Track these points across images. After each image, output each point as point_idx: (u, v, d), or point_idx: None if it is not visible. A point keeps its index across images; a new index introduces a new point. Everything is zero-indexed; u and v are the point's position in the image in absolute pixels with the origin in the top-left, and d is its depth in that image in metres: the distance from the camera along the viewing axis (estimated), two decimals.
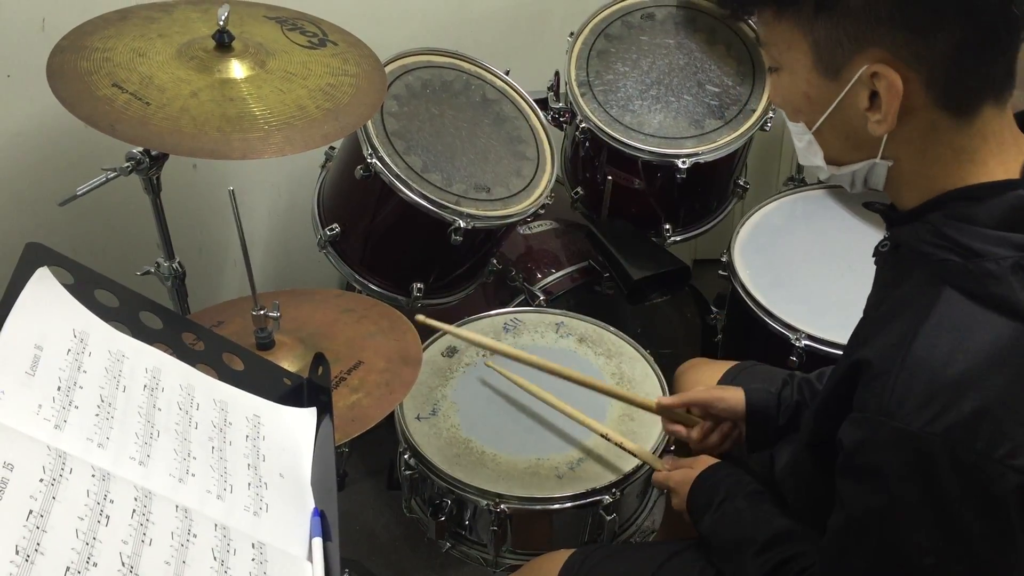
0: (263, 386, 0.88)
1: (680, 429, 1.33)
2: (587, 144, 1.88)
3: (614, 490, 1.37)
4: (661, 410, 1.35)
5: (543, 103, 1.90)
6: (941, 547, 0.83)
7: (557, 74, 1.91)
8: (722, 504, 1.16)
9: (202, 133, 1.21)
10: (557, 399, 1.46)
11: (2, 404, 0.67)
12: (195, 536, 0.68)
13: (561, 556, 1.26)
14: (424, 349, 1.47)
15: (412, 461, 1.43)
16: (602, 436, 1.40)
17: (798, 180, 2.20)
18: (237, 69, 1.31)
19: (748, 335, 1.75)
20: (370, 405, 1.19)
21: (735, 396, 1.27)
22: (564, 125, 1.94)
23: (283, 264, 2.19)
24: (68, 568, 0.59)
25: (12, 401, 0.68)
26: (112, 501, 0.65)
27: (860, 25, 0.84)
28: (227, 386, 0.86)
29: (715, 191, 1.99)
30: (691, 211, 1.98)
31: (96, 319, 0.80)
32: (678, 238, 1.98)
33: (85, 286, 0.81)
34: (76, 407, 0.71)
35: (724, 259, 1.79)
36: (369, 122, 1.59)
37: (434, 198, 1.59)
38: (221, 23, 1.30)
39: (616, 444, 1.38)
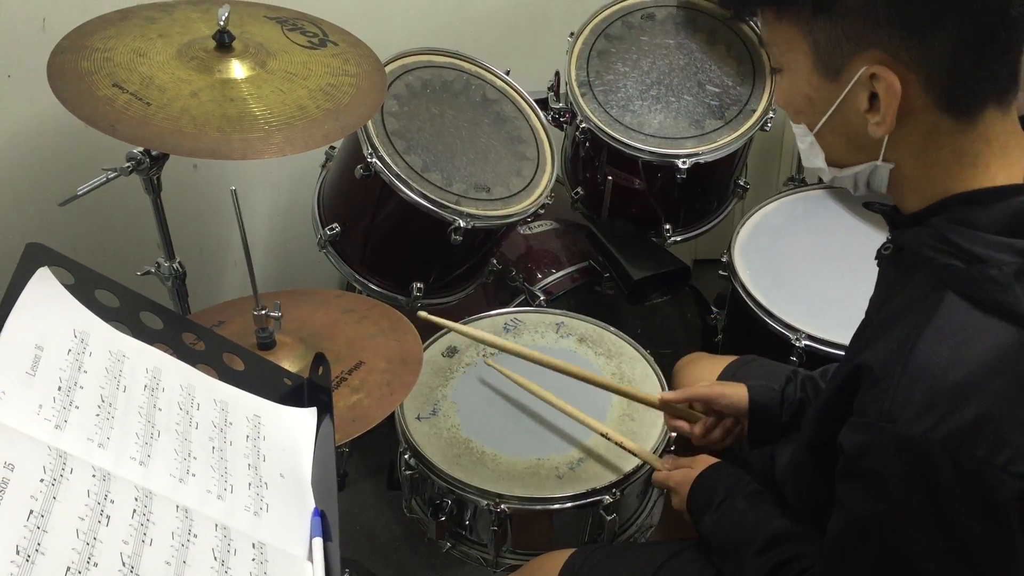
0: (264, 386, 0.88)
1: (683, 425, 1.33)
2: (587, 144, 1.88)
3: (614, 490, 1.37)
4: (663, 405, 1.35)
5: (543, 103, 1.90)
6: (941, 552, 0.83)
7: (557, 74, 1.91)
8: (722, 504, 1.16)
9: (202, 133, 1.21)
10: (558, 398, 1.46)
11: (3, 404, 0.67)
12: (195, 536, 0.68)
13: (561, 556, 1.26)
14: (424, 349, 1.47)
15: (412, 461, 1.43)
16: (602, 435, 1.40)
17: (798, 180, 2.20)
18: (237, 69, 1.31)
19: (748, 335, 1.75)
20: (371, 405, 1.19)
21: (738, 392, 1.27)
22: (564, 125, 1.95)
23: (283, 264, 2.19)
24: (69, 568, 0.59)
25: (13, 401, 0.68)
26: (113, 501, 0.65)
27: (858, 26, 0.84)
28: (227, 386, 0.86)
29: (715, 191, 1.99)
30: (691, 211, 1.98)
31: (97, 319, 0.80)
32: (678, 238, 1.98)
33: (86, 286, 0.81)
34: (77, 407, 0.71)
35: (724, 259, 1.79)
36: (369, 122, 1.59)
37: (434, 198, 1.59)
38: (221, 23, 1.30)
39: (616, 444, 1.38)
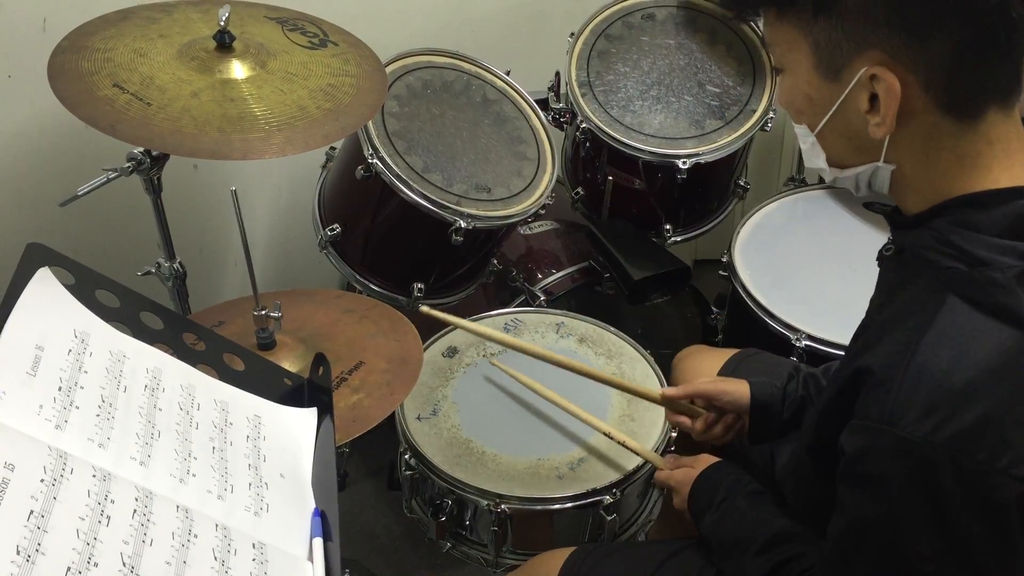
0: (264, 386, 0.88)
1: (684, 420, 1.33)
2: (587, 144, 1.88)
3: (615, 490, 1.37)
4: (665, 401, 1.35)
5: (543, 103, 1.90)
6: (942, 555, 0.83)
7: (558, 74, 1.91)
8: (722, 503, 1.16)
9: (203, 133, 1.21)
10: (559, 396, 1.46)
11: (3, 404, 0.67)
12: (196, 536, 0.68)
13: (561, 554, 1.26)
14: (425, 349, 1.47)
15: (413, 461, 1.43)
16: (604, 434, 1.40)
17: (798, 180, 2.20)
18: (238, 69, 1.31)
19: (749, 335, 1.75)
20: (371, 405, 1.19)
21: (740, 389, 1.27)
22: (564, 125, 1.95)
23: (283, 264, 2.19)
24: (69, 568, 0.59)
25: (13, 401, 0.68)
26: (113, 501, 0.65)
27: (858, 27, 0.84)
28: (228, 386, 0.86)
29: (715, 191, 1.99)
30: (691, 211, 1.98)
31: (97, 319, 0.80)
32: (679, 238, 1.98)
33: (86, 286, 0.81)
34: (77, 407, 0.71)
35: (724, 259, 1.79)
36: (370, 122, 1.59)
37: (435, 198, 1.59)
38: (222, 23, 1.30)
39: (619, 443, 1.38)
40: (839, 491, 0.91)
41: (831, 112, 0.90)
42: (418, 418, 1.48)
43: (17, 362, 0.71)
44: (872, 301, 1.02)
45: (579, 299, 1.91)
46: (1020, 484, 0.80)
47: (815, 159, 0.97)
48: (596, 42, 1.91)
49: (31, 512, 0.60)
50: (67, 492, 0.63)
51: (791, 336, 1.61)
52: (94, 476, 0.65)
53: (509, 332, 1.66)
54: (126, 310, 0.84)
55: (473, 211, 1.61)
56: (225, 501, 0.74)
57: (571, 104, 1.87)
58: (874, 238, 1.80)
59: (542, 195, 1.72)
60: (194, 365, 0.85)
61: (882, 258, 1.01)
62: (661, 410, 1.48)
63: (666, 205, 1.93)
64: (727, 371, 1.46)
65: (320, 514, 0.77)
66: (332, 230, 1.72)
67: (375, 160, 1.58)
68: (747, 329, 1.73)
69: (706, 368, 1.49)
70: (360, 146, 1.59)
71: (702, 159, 1.80)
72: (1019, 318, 0.81)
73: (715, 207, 2.01)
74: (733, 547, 1.12)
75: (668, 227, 1.95)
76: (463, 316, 1.67)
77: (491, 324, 1.67)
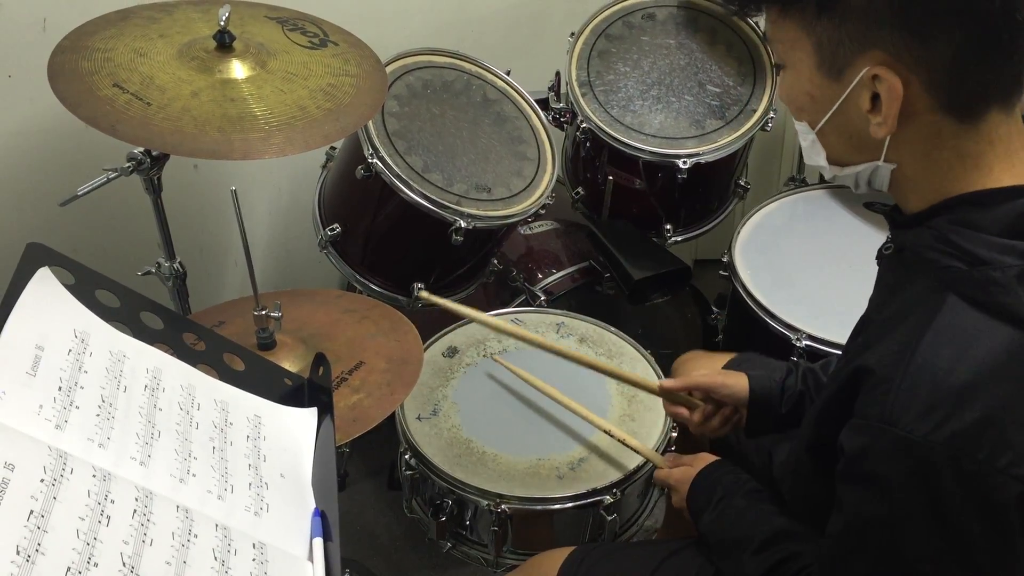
0: (264, 386, 0.88)
1: (681, 411, 1.33)
2: (588, 144, 1.88)
3: (615, 490, 1.37)
4: (663, 392, 1.35)
5: (544, 103, 1.90)
6: (941, 554, 0.83)
7: (558, 74, 1.91)
8: (721, 502, 1.16)
9: (203, 133, 1.21)
10: (560, 393, 1.46)
11: (3, 404, 0.67)
12: (196, 536, 0.68)
13: (561, 554, 1.26)
14: (425, 349, 1.47)
15: (413, 461, 1.43)
16: (605, 432, 1.40)
17: (799, 180, 2.20)
18: (238, 69, 1.31)
19: (749, 335, 1.75)
20: (371, 405, 1.19)
21: (738, 382, 1.27)
22: (565, 125, 1.94)
23: (284, 264, 2.19)
24: (69, 568, 0.59)
25: (13, 401, 0.68)
26: (113, 501, 0.65)
27: (861, 27, 0.84)
28: (228, 386, 0.86)
29: (716, 191, 1.99)
30: (692, 211, 1.98)
31: (97, 319, 0.80)
32: (679, 238, 1.98)
33: (86, 286, 0.81)
34: (77, 407, 0.71)
35: (725, 259, 1.79)
36: (370, 122, 1.59)
37: (435, 198, 1.59)
38: (222, 23, 1.30)
39: (619, 440, 1.38)
40: (838, 490, 0.91)
41: (832, 111, 0.90)
42: (418, 418, 1.48)
43: (17, 362, 0.71)
44: (871, 300, 1.01)
45: (579, 299, 1.91)
46: (1020, 484, 0.80)
47: (815, 157, 0.97)
48: (596, 42, 1.91)
49: (31, 512, 0.60)
50: (67, 492, 0.63)
51: (791, 336, 1.61)
52: (94, 476, 0.65)
53: None
54: (126, 310, 0.84)
55: (473, 211, 1.61)
56: (225, 501, 0.74)
57: (571, 104, 1.87)
58: (875, 238, 1.80)
59: (542, 195, 1.72)
60: (194, 365, 0.85)
61: (881, 257, 1.01)
62: (661, 411, 1.48)
63: (666, 205, 1.93)
64: None
65: (320, 514, 0.77)
66: (332, 230, 1.72)
67: (375, 160, 1.58)
68: (747, 329, 1.73)
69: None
70: (360, 146, 1.59)
71: (702, 159, 1.80)
72: (1019, 317, 0.81)
73: (715, 207, 2.01)
74: (732, 546, 1.12)
75: (668, 227, 1.95)
76: (463, 316, 1.67)
77: None
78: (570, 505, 1.36)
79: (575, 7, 2.08)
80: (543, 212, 1.72)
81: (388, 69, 1.67)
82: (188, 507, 0.70)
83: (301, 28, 1.46)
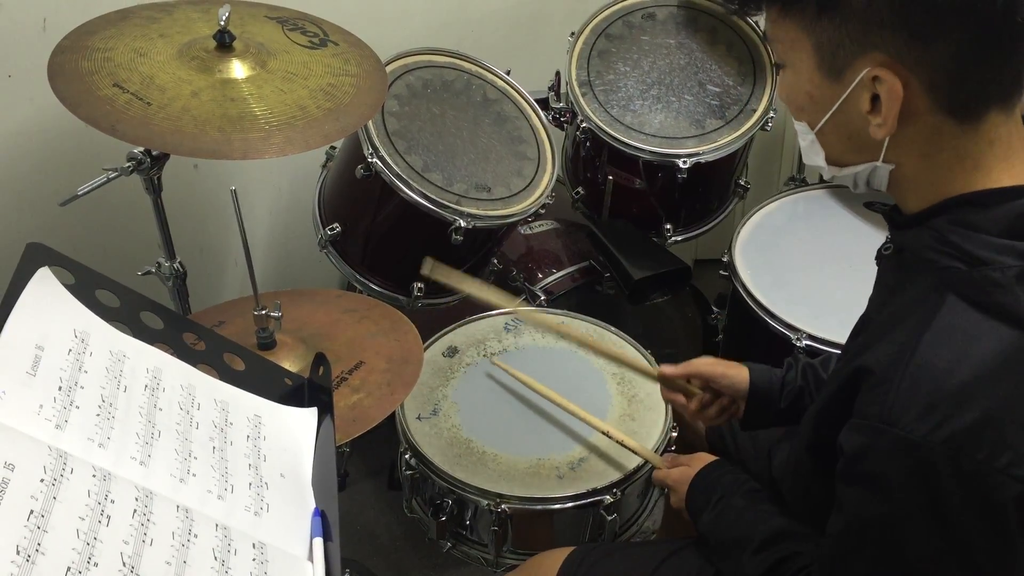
0: (264, 386, 0.88)
1: (679, 398, 1.33)
2: (588, 144, 1.88)
3: (615, 490, 1.37)
4: (662, 379, 1.35)
5: (544, 103, 1.90)
6: (941, 554, 0.83)
7: (558, 74, 1.91)
8: (720, 502, 1.16)
9: (203, 133, 1.21)
10: (559, 395, 1.46)
11: (3, 404, 0.67)
12: (196, 536, 0.68)
13: (561, 554, 1.26)
14: (425, 349, 1.47)
15: (413, 461, 1.43)
16: (603, 433, 1.40)
17: (799, 180, 2.20)
18: (238, 69, 1.31)
19: (749, 335, 1.75)
20: (371, 405, 1.19)
21: (739, 373, 1.27)
22: (565, 125, 1.94)
23: (284, 264, 2.19)
24: (69, 568, 0.59)
25: (13, 401, 0.68)
26: (113, 501, 0.65)
27: (861, 28, 0.84)
28: (228, 386, 0.86)
29: (716, 191, 1.99)
30: (692, 211, 1.98)
31: (97, 319, 0.80)
32: (679, 238, 1.98)
33: (86, 286, 0.81)
34: (77, 407, 0.71)
35: (725, 259, 1.79)
36: (370, 122, 1.59)
37: (435, 198, 1.59)
38: (222, 23, 1.30)
39: (618, 442, 1.38)
40: (838, 490, 0.91)
41: (832, 111, 0.90)
42: (418, 418, 1.48)
43: (17, 362, 0.71)
44: (871, 300, 1.01)
45: (579, 299, 1.91)
46: (1019, 483, 0.80)
47: (814, 157, 0.97)
48: (596, 41, 1.91)
49: (31, 512, 0.60)
50: (67, 492, 0.63)
51: (791, 336, 1.61)
52: (94, 476, 0.65)
53: (509, 332, 1.66)
54: (126, 310, 0.84)
55: (473, 210, 1.61)
56: (225, 501, 0.74)
57: (571, 104, 1.87)
58: (875, 238, 1.80)
59: (542, 195, 1.72)
60: (194, 365, 0.85)
61: (881, 257, 1.01)
62: (662, 411, 1.48)
63: (666, 205, 1.93)
64: None
65: (320, 514, 0.77)
66: (332, 229, 1.72)
67: (375, 159, 1.58)
68: (748, 329, 1.73)
69: None
70: (360, 145, 1.59)
71: (702, 159, 1.80)
72: (1018, 318, 0.81)
73: (715, 207, 2.01)
74: (731, 546, 1.12)
75: (668, 227, 1.95)
76: (464, 316, 1.67)
77: (491, 324, 1.67)
78: (570, 505, 1.36)
79: (575, 7, 2.08)
80: (543, 212, 1.72)
81: (388, 69, 1.67)
82: (188, 507, 0.70)
83: (301, 28, 1.46)
